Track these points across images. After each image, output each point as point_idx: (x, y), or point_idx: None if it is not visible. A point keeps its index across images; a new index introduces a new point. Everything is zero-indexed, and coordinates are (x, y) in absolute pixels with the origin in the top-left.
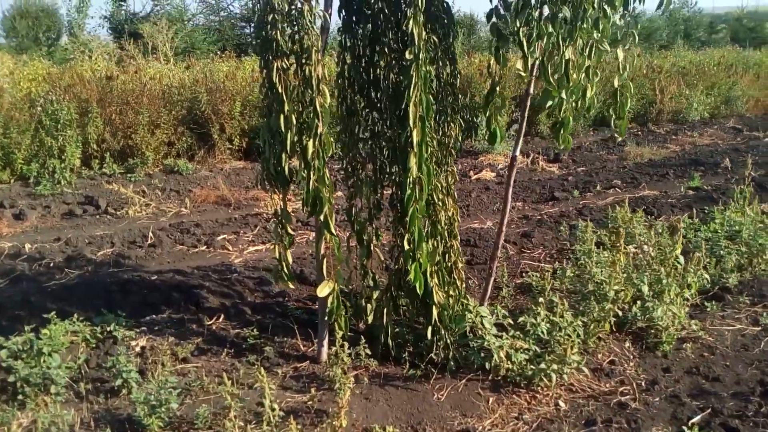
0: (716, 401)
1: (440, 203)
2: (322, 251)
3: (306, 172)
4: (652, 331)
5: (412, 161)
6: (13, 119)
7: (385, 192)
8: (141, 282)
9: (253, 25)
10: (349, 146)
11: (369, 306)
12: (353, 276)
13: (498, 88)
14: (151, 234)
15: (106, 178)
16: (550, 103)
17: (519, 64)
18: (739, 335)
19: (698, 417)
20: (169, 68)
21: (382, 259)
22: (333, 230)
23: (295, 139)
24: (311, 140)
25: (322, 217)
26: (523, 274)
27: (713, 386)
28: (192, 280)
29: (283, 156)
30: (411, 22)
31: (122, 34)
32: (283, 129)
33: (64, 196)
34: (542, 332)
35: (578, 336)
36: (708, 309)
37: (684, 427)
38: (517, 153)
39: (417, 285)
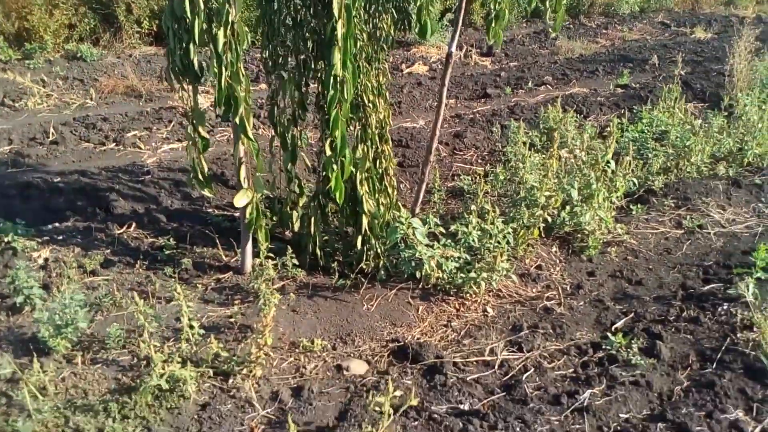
0: (639, 306)
1: (371, 105)
2: (241, 156)
3: (217, 67)
4: (579, 235)
5: (336, 57)
6: None
7: (311, 89)
8: (43, 185)
9: None
10: (269, 36)
11: (295, 213)
12: (278, 181)
13: None
14: (52, 130)
15: (1, 64)
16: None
17: None
18: (663, 238)
19: (621, 322)
20: None
21: (309, 163)
22: (250, 134)
23: (204, 27)
24: (222, 29)
25: (237, 120)
26: (455, 177)
27: (636, 290)
28: (100, 182)
29: (191, 47)
30: None
31: None
32: (189, 15)
33: None
34: (473, 240)
35: (508, 243)
36: (633, 212)
37: (608, 333)
38: (453, 48)
39: (337, 194)
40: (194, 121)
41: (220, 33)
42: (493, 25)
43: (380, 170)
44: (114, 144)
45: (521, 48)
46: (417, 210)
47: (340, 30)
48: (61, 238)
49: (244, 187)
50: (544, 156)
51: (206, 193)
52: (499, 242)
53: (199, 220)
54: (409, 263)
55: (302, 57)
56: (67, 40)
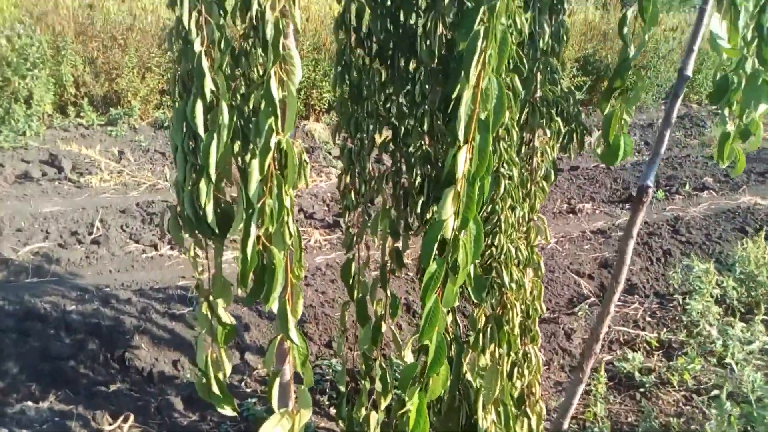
0: None
1: (512, 284)
2: (274, 362)
3: (245, 219)
4: None
5: (448, 208)
6: None
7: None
8: (50, 314)
9: None
10: (351, 156)
11: (373, 417)
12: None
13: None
14: (98, 224)
15: (82, 129)
16: (764, 108)
17: (715, 25)
18: None
19: None
20: None
21: (398, 337)
22: (295, 335)
23: (232, 147)
24: (258, 157)
25: (274, 307)
26: (613, 347)
27: None
28: (126, 314)
29: (203, 186)
30: None
31: None
32: (200, 130)
33: (26, 152)
34: None
35: None
36: None
37: None
38: (651, 181)
39: None
40: (211, 299)
41: (254, 165)
42: (730, 141)
43: (520, 385)
44: (168, 247)
45: None
46: (565, 426)
47: (461, 165)
48: None
49: (278, 411)
50: (750, 323)
51: (226, 411)
52: None
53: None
54: None
55: (401, 191)
56: (157, 107)
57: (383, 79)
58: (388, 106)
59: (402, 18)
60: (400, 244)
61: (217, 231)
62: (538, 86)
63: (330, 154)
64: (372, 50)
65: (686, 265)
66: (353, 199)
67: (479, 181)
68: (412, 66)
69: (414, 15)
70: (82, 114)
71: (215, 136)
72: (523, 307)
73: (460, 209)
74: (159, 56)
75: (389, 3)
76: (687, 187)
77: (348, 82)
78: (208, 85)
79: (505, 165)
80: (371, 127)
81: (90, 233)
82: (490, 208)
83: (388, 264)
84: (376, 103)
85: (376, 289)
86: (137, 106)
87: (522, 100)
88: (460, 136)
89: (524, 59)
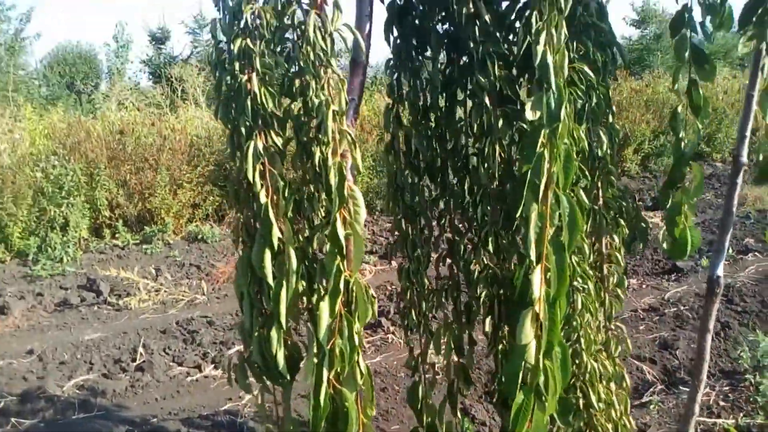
0: None
1: (599, 403)
2: None
3: (317, 364)
4: None
5: (527, 331)
6: (8, 184)
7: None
8: None
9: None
10: (409, 275)
11: None
12: None
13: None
14: (141, 350)
15: (118, 250)
16: None
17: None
18: None
19: None
20: (199, 116)
21: None
22: None
23: (301, 288)
24: (328, 299)
25: None
26: None
27: None
28: None
29: (273, 332)
30: (541, 43)
31: (160, 79)
32: (269, 279)
33: (64, 279)
34: None
35: None
36: None
37: None
38: (720, 271)
39: None
40: None
41: (324, 307)
42: None
43: None
44: (212, 367)
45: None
46: None
47: (538, 286)
48: None
49: None
50: None
51: None
52: None
53: None
54: None
55: (462, 305)
56: (189, 221)
57: (434, 195)
58: (442, 222)
59: (449, 138)
60: (464, 360)
61: (287, 377)
62: (600, 194)
63: (365, 246)
64: (420, 169)
65: (751, 340)
66: (414, 318)
67: (557, 314)
68: (466, 185)
69: (463, 136)
70: (117, 235)
71: (284, 283)
72: (611, 426)
73: (542, 332)
74: (189, 172)
75: (433, 125)
76: (731, 251)
77: (401, 203)
78: (275, 234)
79: (579, 279)
80: (425, 241)
81: (133, 359)
82: (567, 325)
83: (455, 383)
84: (429, 220)
85: (444, 411)
86: (170, 222)
87: (587, 210)
88: (532, 256)
89: (585, 171)
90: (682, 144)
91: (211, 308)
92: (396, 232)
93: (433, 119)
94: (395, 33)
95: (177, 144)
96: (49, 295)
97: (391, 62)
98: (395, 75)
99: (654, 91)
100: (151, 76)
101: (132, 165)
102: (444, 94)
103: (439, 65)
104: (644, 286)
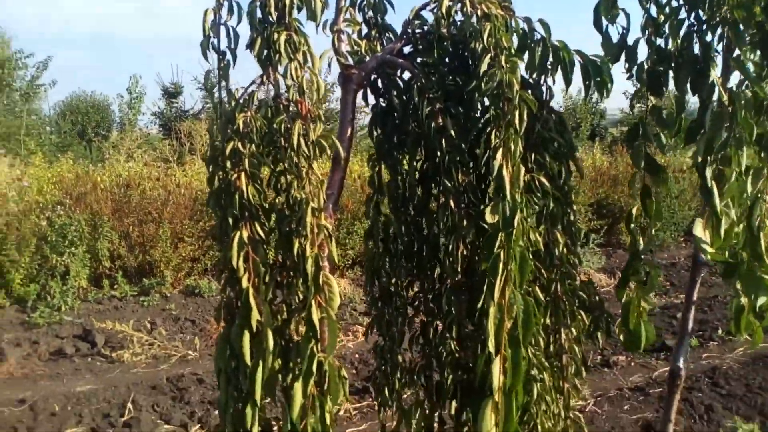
0: None
1: None
2: None
3: None
4: None
5: (488, 420)
6: (13, 230)
7: None
8: None
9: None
10: (383, 353)
11: None
12: None
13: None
14: (130, 405)
15: (116, 301)
16: (763, 300)
17: (699, 230)
18: None
19: None
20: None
21: None
22: None
23: (275, 368)
24: (300, 381)
25: None
26: None
27: None
28: None
29: (248, 409)
30: (498, 158)
31: (171, 132)
32: (246, 359)
33: (61, 327)
34: None
35: None
36: None
37: None
38: (681, 363)
39: None
40: None
41: (298, 388)
42: (745, 314)
43: None
44: (198, 426)
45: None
46: None
47: (497, 378)
48: None
49: None
50: None
51: None
52: None
53: None
54: None
55: (433, 385)
56: (188, 275)
57: (408, 280)
58: (416, 304)
59: (424, 225)
60: None
61: None
62: (558, 289)
63: (356, 311)
64: (399, 252)
65: (731, 427)
66: (387, 395)
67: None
68: (436, 273)
69: (435, 227)
70: (115, 286)
71: (260, 362)
72: None
73: (500, 421)
74: (191, 227)
75: (412, 212)
76: (719, 331)
77: (378, 285)
78: (255, 317)
79: (534, 369)
80: (400, 321)
81: (122, 415)
82: (525, 414)
83: None
84: (404, 301)
85: None
86: (169, 275)
87: (544, 306)
88: (491, 348)
89: (542, 269)
90: (638, 244)
91: (202, 365)
92: (372, 311)
93: (411, 208)
94: (377, 131)
95: (181, 198)
96: (45, 344)
97: (374, 156)
98: (376, 168)
99: None
100: (161, 128)
101: (135, 217)
102: (420, 187)
103: (415, 163)
104: (633, 364)
